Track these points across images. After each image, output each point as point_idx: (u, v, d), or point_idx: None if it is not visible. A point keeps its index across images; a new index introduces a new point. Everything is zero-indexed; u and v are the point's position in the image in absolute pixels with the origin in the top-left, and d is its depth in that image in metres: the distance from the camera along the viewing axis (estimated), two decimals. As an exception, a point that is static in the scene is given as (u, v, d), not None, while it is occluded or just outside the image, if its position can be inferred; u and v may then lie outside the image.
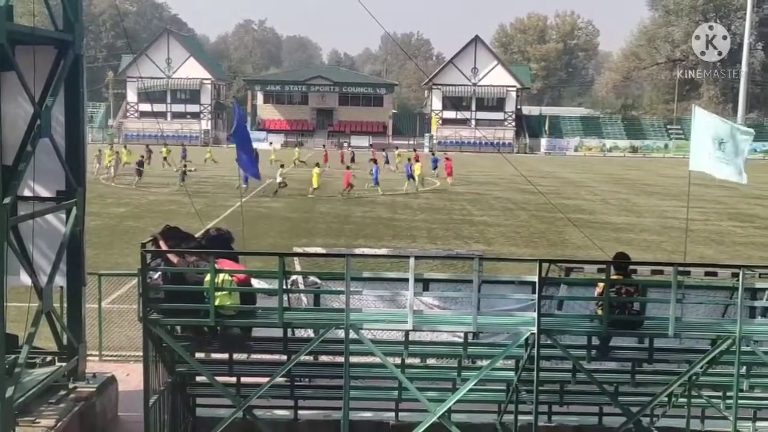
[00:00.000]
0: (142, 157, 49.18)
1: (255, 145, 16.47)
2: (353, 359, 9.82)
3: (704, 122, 15.04)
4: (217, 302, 9.23)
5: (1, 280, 8.79)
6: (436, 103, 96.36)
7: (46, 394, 10.31)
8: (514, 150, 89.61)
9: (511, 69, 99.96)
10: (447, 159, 50.78)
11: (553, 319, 9.77)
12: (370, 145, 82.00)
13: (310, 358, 10.94)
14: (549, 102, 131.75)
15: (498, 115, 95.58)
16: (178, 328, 10.02)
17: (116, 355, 13.98)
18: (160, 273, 9.72)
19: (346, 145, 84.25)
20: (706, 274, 11.50)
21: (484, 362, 10.07)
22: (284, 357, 10.11)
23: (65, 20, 10.48)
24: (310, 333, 10.47)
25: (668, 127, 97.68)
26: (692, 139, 15.57)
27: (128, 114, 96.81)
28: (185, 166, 44.24)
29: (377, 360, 9.61)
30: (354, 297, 9.78)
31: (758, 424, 11.09)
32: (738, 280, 9.48)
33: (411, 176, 46.07)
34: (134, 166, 46.96)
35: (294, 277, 11.97)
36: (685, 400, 10.57)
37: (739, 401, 9.78)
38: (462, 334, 10.01)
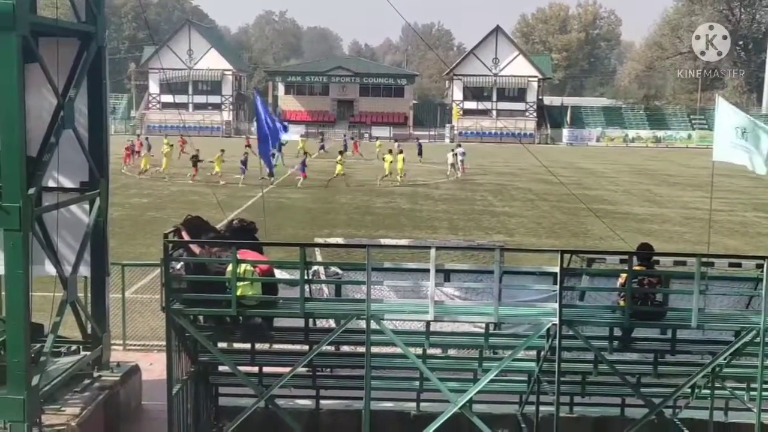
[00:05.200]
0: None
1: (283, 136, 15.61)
2: (374, 349, 9.84)
3: (727, 112, 14.92)
4: (239, 292, 9.27)
5: (26, 270, 8.88)
6: (457, 93, 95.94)
7: (71, 383, 10.42)
8: (536, 140, 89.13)
9: (533, 59, 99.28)
10: (354, 140, 53.50)
11: (574, 310, 9.73)
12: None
13: (331, 348, 10.99)
14: (571, 92, 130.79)
15: (519, 106, 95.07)
16: (201, 317, 10.08)
17: (140, 345, 14.09)
18: (182, 263, 9.79)
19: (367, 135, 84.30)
20: (730, 265, 11.41)
21: (506, 353, 10.06)
22: (306, 347, 10.16)
23: (88, 12, 10.54)
24: (331, 323, 10.50)
25: (691, 117, 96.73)
26: (716, 129, 15.42)
27: (150, 105, 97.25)
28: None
29: (398, 350, 9.62)
30: (375, 287, 9.80)
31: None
32: (762, 271, 9.38)
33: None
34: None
35: (315, 267, 12.01)
36: (708, 391, 10.51)
37: (764, 393, 9.68)
38: (483, 325, 10.00)
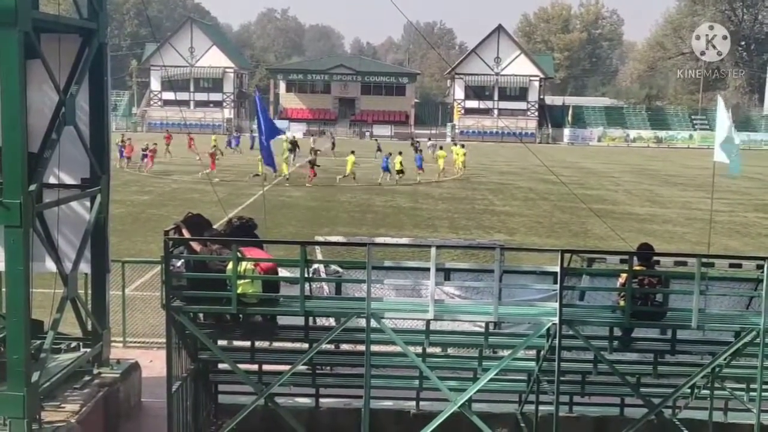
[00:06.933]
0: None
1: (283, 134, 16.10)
2: (374, 348, 9.84)
3: (725, 113, 14.99)
4: (239, 290, 9.27)
5: (26, 267, 8.88)
6: (459, 92, 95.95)
7: (71, 380, 10.42)
8: (537, 140, 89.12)
9: (534, 58, 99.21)
10: (189, 136, 53.84)
11: (574, 309, 9.73)
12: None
13: (331, 347, 11.00)
14: (572, 92, 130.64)
15: (521, 105, 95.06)
16: (201, 315, 10.08)
17: (140, 342, 14.10)
18: (182, 260, 9.79)
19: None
20: (731, 265, 11.40)
21: (505, 352, 10.06)
22: (306, 345, 10.16)
23: (90, 9, 10.54)
24: (331, 321, 10.51)
25: (693, 117, 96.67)
26: (717, 130, 15.46)
27: (152, 102, 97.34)
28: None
29: (398, 349, 9.62)
30: (375, 286, 9.80)
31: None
32: (763, 272, 9.38)
33: (387, 169, 44.10)
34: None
35: (316, 265, 12.02)
36: (707, 392, 10.51)
37: (763, 393, 9.69)
38: (483, 324, 10.00)
